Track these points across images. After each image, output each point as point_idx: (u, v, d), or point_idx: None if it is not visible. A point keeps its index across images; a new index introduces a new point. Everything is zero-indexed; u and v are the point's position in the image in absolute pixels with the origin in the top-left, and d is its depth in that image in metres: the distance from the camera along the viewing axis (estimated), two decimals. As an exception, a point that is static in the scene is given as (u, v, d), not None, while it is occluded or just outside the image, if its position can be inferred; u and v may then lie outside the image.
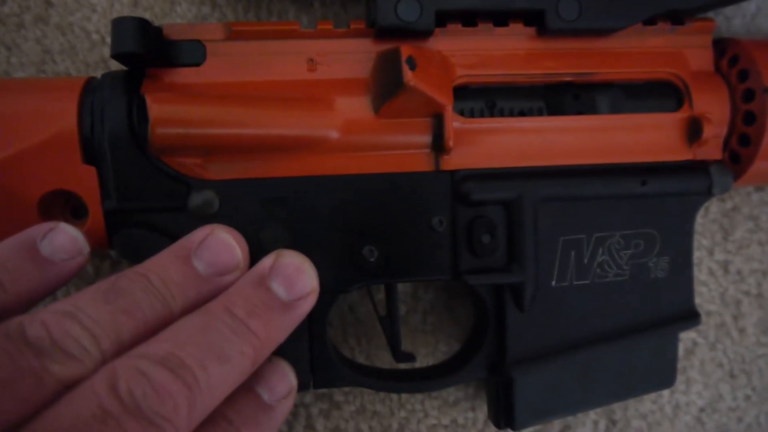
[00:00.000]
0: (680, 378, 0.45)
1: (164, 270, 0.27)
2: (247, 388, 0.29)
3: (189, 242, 0.28)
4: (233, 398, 0.27)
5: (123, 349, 0.24)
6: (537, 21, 0.35)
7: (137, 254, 0.33)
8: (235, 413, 0.28)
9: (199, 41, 0.33)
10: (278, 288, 0.28)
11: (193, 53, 0.33)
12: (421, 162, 0.34)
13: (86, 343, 0.23)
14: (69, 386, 0.22)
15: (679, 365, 0.43)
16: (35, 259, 0.26)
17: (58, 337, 0.23)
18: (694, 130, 0.36)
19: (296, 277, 0.28)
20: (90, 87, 0.32)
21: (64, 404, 0.22)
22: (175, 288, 0.27)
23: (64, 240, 0.27)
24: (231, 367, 0.25)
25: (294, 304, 0.28)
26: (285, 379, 0.31)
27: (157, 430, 0.22)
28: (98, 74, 0.38)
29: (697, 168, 0.37)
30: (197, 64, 0.33)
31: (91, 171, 0.32)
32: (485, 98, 0.36)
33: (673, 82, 0.37)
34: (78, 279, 0.39)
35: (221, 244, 0.28)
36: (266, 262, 0.29)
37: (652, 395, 0.44)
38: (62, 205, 0.34)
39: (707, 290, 0.45)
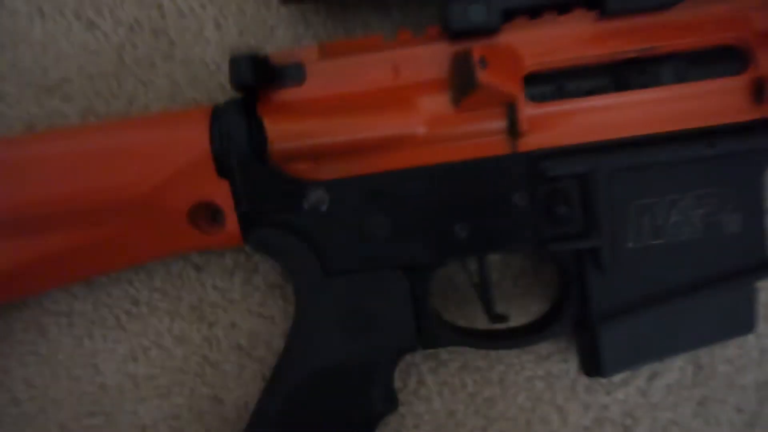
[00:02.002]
0: (766, 325, 0.46)
1: None
2: None
3: None
4: None
5: None
6: (597, 4, 0.38)
7: (267, 249, 0.40)
8: None
9: (299, 63, 0.39)
10: None
11: (295, 75, 0.39)
12: (499, 146, 0.39)
13: None
14: None
15: (764, 312, 0.46)
16: None
17: None
18: (760, 90, 0.38)
19: None
20: (216, 114, 0.39)
21: None
22: None
23: None
24: None
25: None
26: None
27: None
28: (218, 98, 0.44)
29: (765, 126, 0.38)
30: (299, 83, 0.39)
31: (224, 183, 0.39)
32: (554, 82, 0.39)
33: (737, 45, 0.38)
34: (216, 267, 0.47)
35: None
36: None
37: (738, 340, 0.47)
38: (204, 213, 0.41)
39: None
